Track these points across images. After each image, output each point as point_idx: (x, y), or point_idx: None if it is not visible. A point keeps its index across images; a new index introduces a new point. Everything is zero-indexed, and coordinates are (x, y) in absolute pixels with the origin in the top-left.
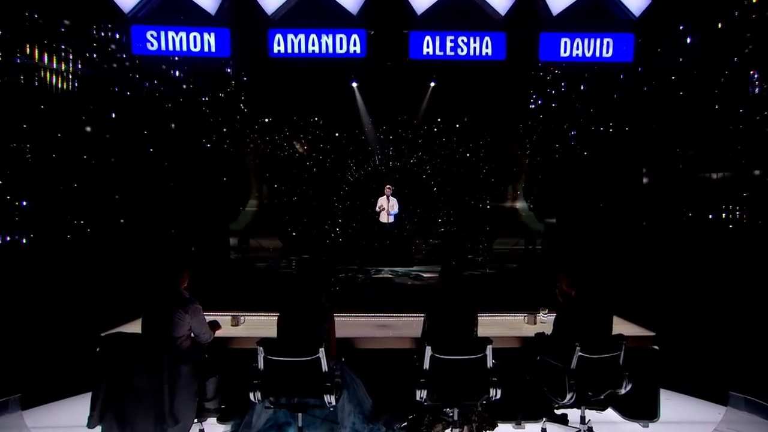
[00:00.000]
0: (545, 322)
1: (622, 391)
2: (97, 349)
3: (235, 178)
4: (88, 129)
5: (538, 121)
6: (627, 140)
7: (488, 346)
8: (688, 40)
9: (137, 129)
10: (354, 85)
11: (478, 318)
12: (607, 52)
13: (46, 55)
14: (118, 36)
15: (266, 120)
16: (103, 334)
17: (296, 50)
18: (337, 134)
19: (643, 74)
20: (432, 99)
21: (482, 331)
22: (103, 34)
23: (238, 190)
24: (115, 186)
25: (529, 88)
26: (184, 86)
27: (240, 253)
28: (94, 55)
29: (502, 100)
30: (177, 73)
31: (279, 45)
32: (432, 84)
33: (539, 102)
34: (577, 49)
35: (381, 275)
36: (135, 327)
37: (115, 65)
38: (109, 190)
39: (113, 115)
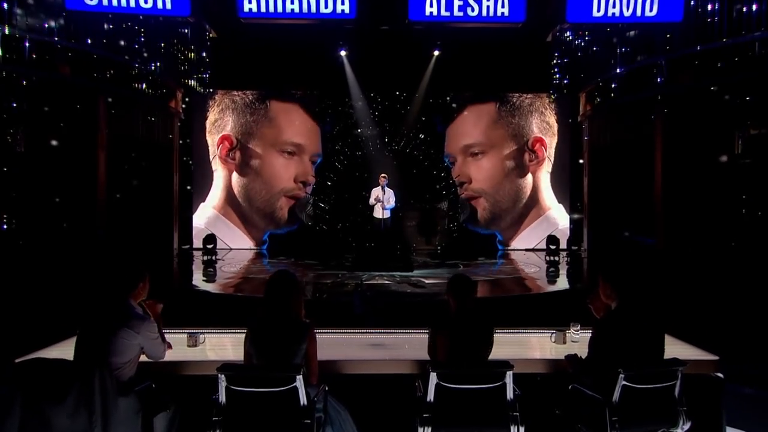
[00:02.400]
0: (577, 340)
1: (679, 431)
2: (8, 380)
3: (196, 165)
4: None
5: (564, 96)
6: (672, 117)
7: (508, 373)
8: None
9: (73, 103)
10: (342, 53)
11: (494, 336)
12: (651, 10)
13: None
14: None
15: (235, 95)
16: (17, 360)
17: (271, 9)
18: (321, 112)
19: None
20: (436, 70)
21: (499, 353)
22: None
23: (198, 180)
24: (47, 174)
25: (553, 56)
26: (122, 43)
27: (207, 255)
28: (17, 11)
29: (519, 72)
30: (120, 34)
31: (250, 2)
32: (436, 52)
33: (565, 71)
34: (614, 6)
35: (375, 281)
36: (64, 350)
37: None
38: (41, 178)
39: (40, 87)
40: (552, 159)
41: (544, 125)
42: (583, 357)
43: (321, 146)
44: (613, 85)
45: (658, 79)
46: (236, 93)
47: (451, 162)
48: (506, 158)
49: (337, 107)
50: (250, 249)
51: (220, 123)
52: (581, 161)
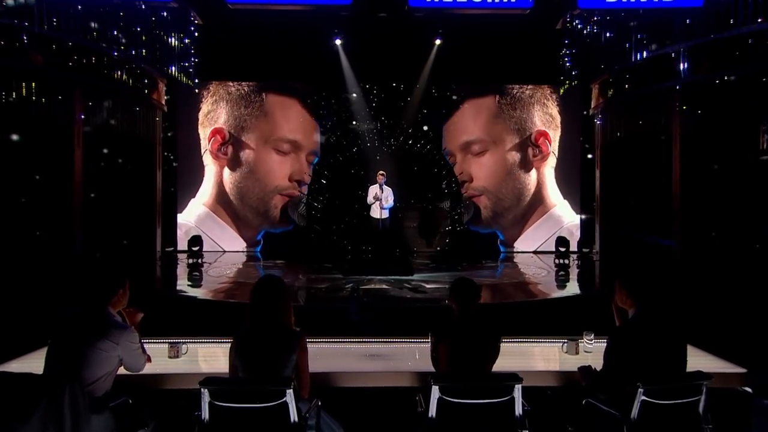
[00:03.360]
0: (591, 351)
1: None
2: None
3: (182, 161)
4: None
5: (572, 87)
6: (691, 110)
7: (516, 386)
8: None
9: (46, 95)
10: (338, 42)
11: (501, 345)
12: None
13: None
14: None
15: (231, 85)
16: None
17: None
18: (314, 105)
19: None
20: (438, 61)
21: (506, 364)
22: None
23: (184, 178)
24: (17, 171)
25: (562, 45)
26: (94, 25)
27: (192, 258)
28: None
29: (527, 62)
30: (95, 20)
31: None
32: (437, 41)
33: (575, 62)
34: None
35: (372, 286)
36: (26, 363)
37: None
38: (11, 176)
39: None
40: (557, 153)
41: (546, 118)
42: (598, 369)
43: (319, 144)
44: (627, 76)
45: (677, 69)
46: (231, 84)
47: (451, 161)
48: (509, 154)
49: (332, 100)
50: (243, 251)
51: (213, 115)
52: (590, 156)
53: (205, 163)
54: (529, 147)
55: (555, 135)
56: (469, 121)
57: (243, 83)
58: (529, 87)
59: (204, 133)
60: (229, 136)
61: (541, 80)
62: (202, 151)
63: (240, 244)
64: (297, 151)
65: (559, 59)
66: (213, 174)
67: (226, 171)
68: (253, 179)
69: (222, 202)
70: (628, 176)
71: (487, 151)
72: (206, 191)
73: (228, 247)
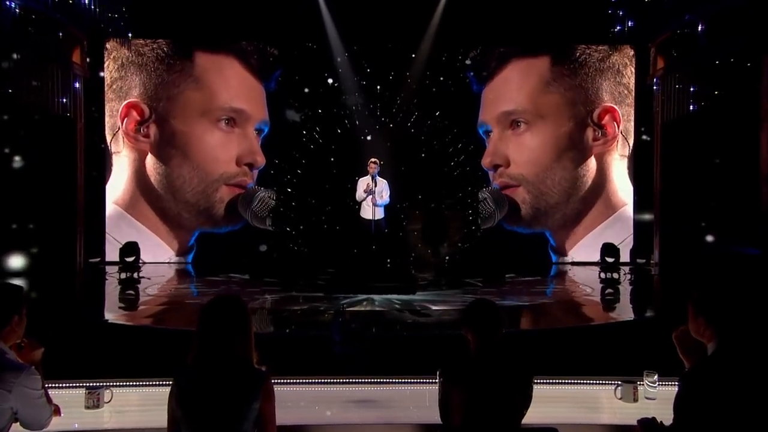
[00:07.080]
0: (654, 397)
1: None
2: None
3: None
4: None
5: (625, 53)
6: None
7: None
8: None
9: None
10: None
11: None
12: None
13: None
14: None
15: (163, 45)
16: None
17: None
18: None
19: None
20: (447, 15)
21: (541, 414)
22: None
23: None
24: None
25: None
26: None
27: (126, 272)
28: None
29: (562, 19)
30: None
31: None
32: None
33: (630, 13)
34: None
35: (362, 308)
36: None
37: None
38: None
39: None
40: (632, 136)
41: (620, 90)
42: (666, 423)
43: (267, 111)
44: (699, 29)
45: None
46: (142, 42)
47: (487, 136)
48: (560, 135)
49: (310, 64)
50: (172, 261)
51: (121, 85)
52: (644, 136)
53: (113, 150)
54: (589, 127)
55: (628, 113)
56: (512, 87)
57: (160, 41)
58: (600, 48)
59: (110, 109)
60: (150, 111)
61: (582, 38)
62: (109, 134)
63: (167, 253)
64: (243, 123)
65: (607, 10)
66: (128, 163)
67: (150, 159)
68: (188, 167)
69: (146, 198)
70: (697, 164)
71: (532, 127)
72: (118, 185)
73: (150, 257)
